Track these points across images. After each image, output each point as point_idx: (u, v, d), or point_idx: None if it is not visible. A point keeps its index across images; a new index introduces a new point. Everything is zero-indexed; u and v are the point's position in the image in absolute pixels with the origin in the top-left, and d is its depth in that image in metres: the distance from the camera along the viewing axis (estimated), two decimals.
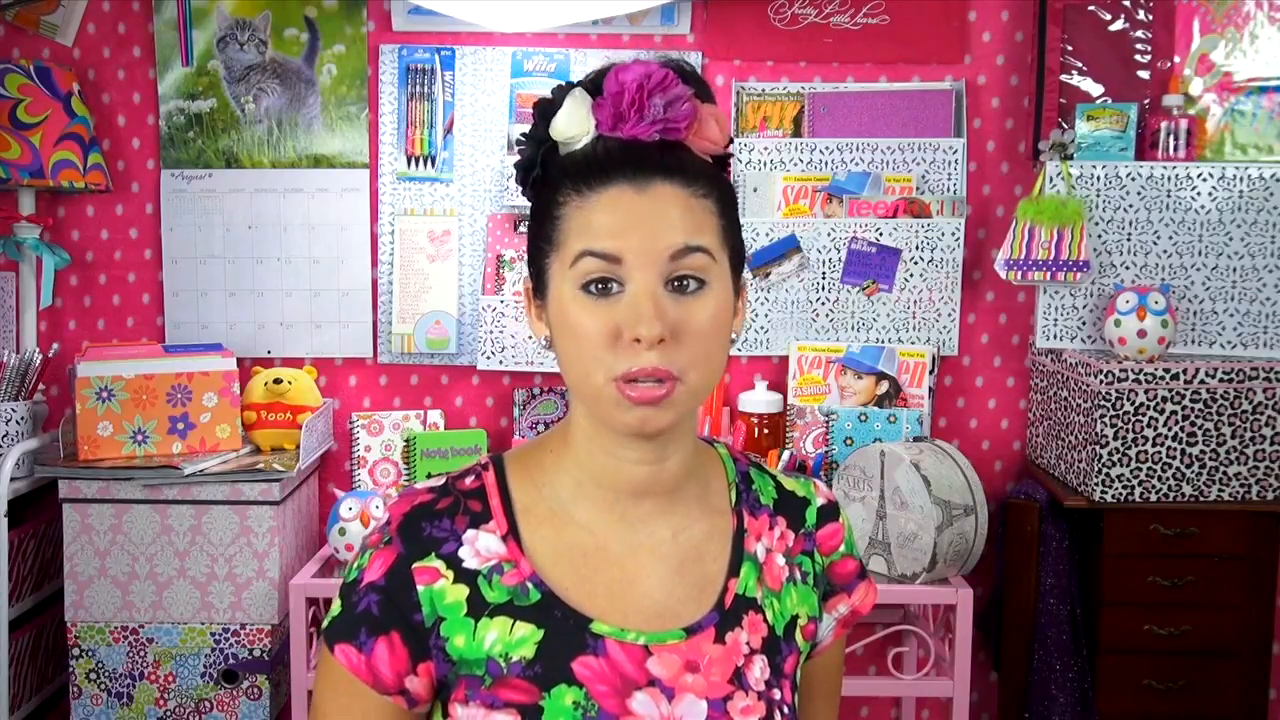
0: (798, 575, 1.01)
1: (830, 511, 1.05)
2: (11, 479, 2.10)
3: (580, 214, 0.89)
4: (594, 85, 0.91)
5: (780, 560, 1.00)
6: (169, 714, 2.14)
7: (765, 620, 0.97)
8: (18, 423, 2.17)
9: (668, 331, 0.86)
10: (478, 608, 0.91)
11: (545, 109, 0.92)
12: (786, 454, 2.27)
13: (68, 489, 2.12)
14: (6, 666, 2.09)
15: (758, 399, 2.37)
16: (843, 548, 1.04)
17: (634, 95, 0.89)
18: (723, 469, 1.03)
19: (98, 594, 2.13)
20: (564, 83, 0.93)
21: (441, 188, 2.46)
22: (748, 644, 0.95)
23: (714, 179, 0.93)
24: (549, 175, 0.93)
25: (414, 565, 0.92)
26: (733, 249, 0.94)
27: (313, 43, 2.44)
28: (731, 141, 0.97)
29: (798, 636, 0.99)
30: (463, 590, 0.91)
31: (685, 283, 0.88)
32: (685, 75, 0.92)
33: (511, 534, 0.94)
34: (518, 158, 0.97)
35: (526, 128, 0.96)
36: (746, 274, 1.04)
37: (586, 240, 0.88)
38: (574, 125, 0.91)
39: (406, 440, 2.39)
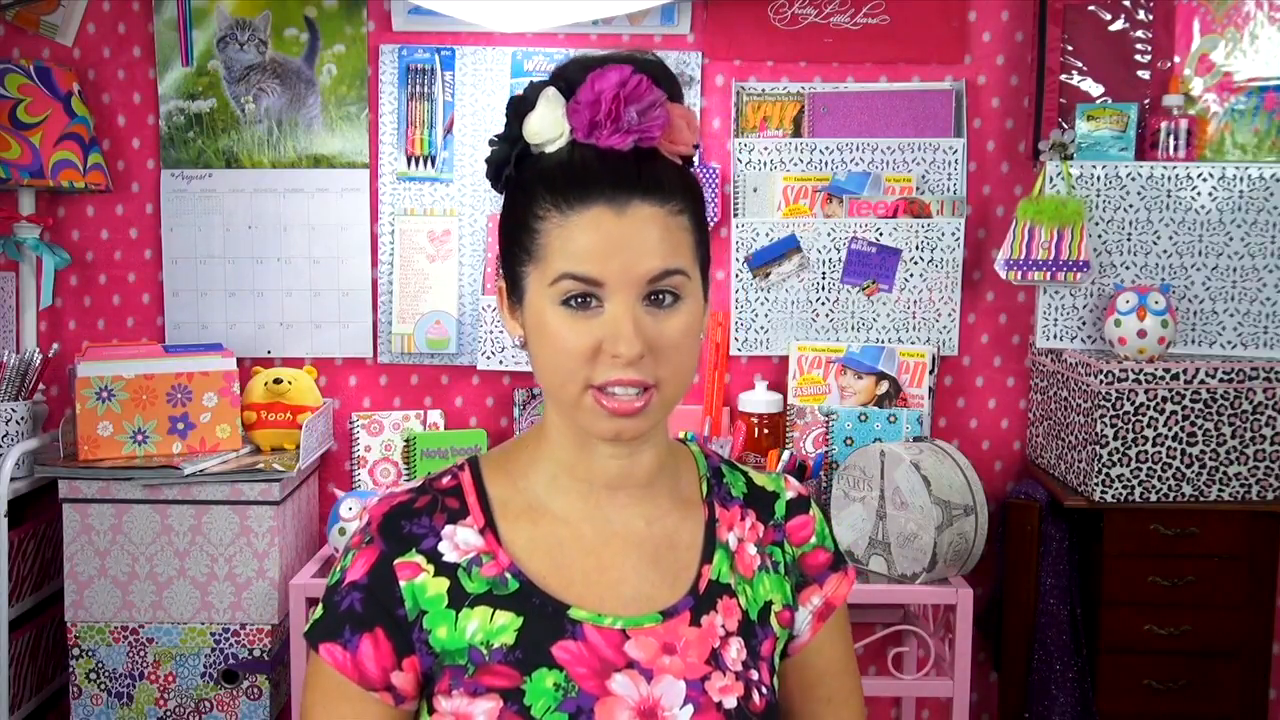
0: (769, 564, 1.03)
1: (800, 504, 1.07)
2: (11, 479, 2.10)
3: (561, 233, 0.90)
4: (568, 85, 0.91)
5: (751, 549, 1.03)
6: (169, 714, 2.14)
7: (739, 605, 0.99)
8: (18, 423, 2.17)
9: (646, 348, 0.89)
10: (458, 599, 0.93)
11: (519, 107, 0.93)
12: (786, 454, 2.27)
13: (68, 489, 2.12)
14: (6, 666, 2.09)
15: (758, 399, 2.37)
16: (813, 539, 1.06)
17: (610, 105, 0.89)
18: (694, 464, 1.06)
19: (98, 594, 2.13)
20: (534, 80, 0.93)
21: (441, 188, 2.46)
22: (723, 627, 0.97)
23: (686, 190, 0.93)
24: (524, 178, 0.93)
25: (395, 561, 0.94)
26: (703, 258, 0.95)
27: (313, 43, 2.44)
28: (698, 147, 0.98)
29: (773, 621, 1.02)
30: (443, 583, 0.93)
31: (661, 297, 0.91)
32: (657, 77, 0.92)
33: (489, 527, 0.96)
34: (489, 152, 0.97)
35: None
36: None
37: (567, 263, 0.89)
38: (547, 128, 0.91)
39: (406, 440, 2.39)
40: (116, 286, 2.50)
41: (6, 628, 2.09)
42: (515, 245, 0.94)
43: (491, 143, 0.97)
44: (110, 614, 2.13)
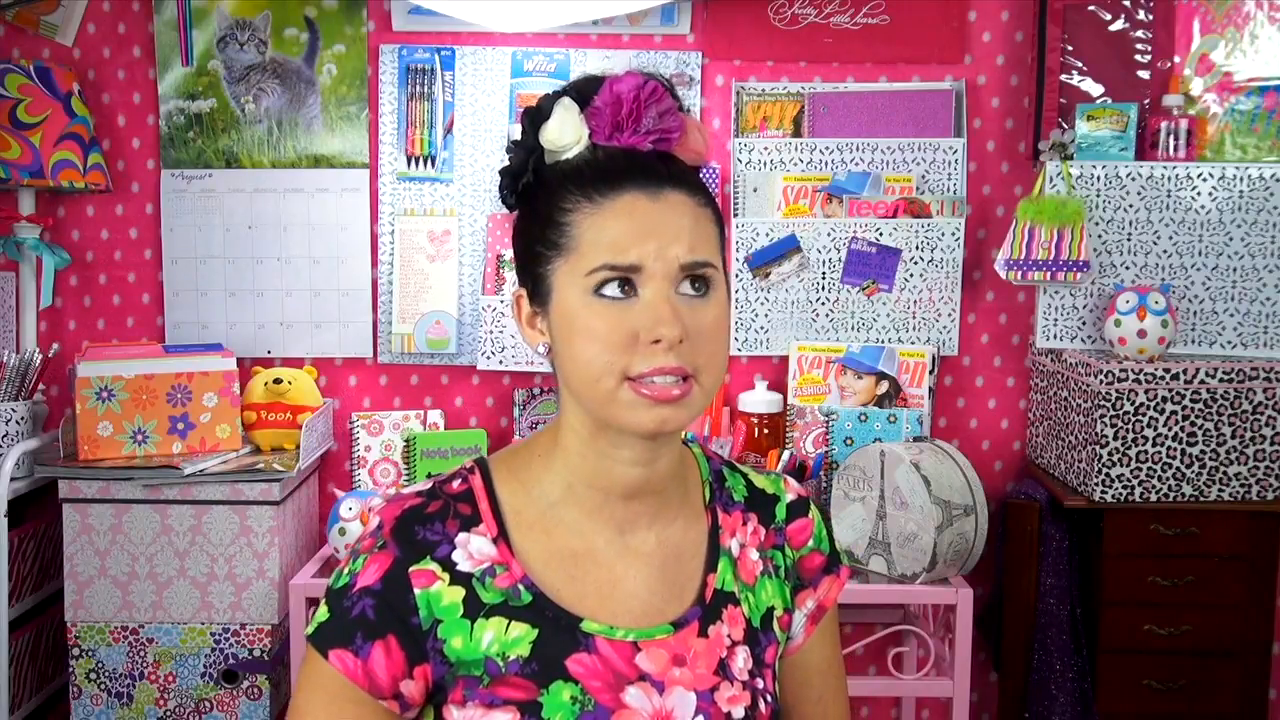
0: (770, 569, 1.04)
1: (800, 507, 1.08)
2: (11, 479, 2.10)
3: (594, 221, 0.90)
4: (581, 94, 0.93)
5: (754, 555, 1.03)
6: (169, 714, 2.14)
7: (743, 614, 1.00)
8: (18, 423, 2.17)
9: (685, 333, 0.89)
10: (474, 608, 0.93)
11: (534, 117, 0.95)
12: (787, 454, 2.27)
13: (68, 489, 2.12)
14: (6, 666, 2.09)
15: (758, 399, 2.37)
16: (811, 542, 1.07)
17: (631, 106, 0.91)
18: (697, 468, 1.06)
19: (98, 594, 2.13)
20: (550, 91, 0.95)
21: (441, 188, 2.46)
22: (729, 636, 0.98)
23: (706, 190, 0.96)
24: (544, 182, 0.94)
25: (411, 568, 0.92)
26: (724, 258, 0.97)
27: (313, 43, 2.44)
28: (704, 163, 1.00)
29: (775, 627, 1.03)
30: (459, 592, 0.93)
31: (696, 285, 0.91)
32: (668, 89, 0.94)
33: (502, 537, 0.95)
34: (504, 164, 0.98)
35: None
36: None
37: (605, 252, 0.89)
38: (567, 133, 0.93)
39: (406, 440, 2.39)
40: (116, 286, 2.50)
41: (6, 628, 2.09)
42: (538, 245, 0.94)
43: (508, 150, 0.98)
44: (110, 614, 2.13)
